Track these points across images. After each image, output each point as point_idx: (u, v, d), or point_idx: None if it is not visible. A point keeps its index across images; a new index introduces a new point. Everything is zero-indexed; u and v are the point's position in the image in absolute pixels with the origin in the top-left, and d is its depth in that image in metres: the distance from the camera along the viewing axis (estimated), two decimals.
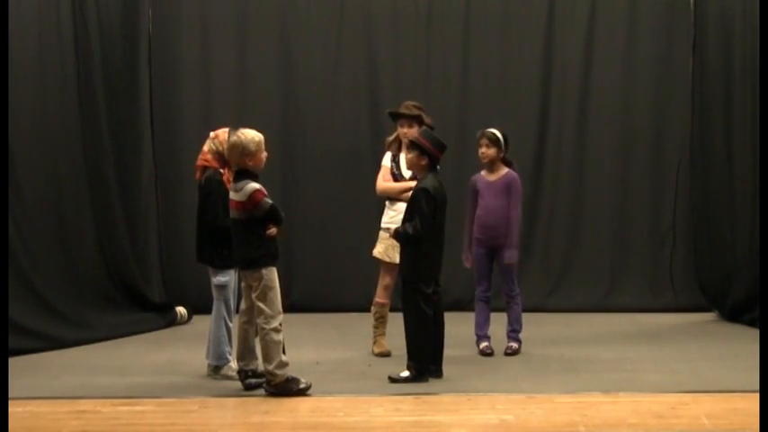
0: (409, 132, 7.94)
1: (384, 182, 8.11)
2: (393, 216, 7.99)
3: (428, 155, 7.03)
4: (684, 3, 10.79)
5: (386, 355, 7.96)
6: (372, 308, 8.21)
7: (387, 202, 8.17)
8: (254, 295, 6.54)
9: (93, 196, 9.44)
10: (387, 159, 8.18)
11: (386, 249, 8.03)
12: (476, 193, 8.09)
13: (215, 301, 7.19)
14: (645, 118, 10.99)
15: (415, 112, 8.04)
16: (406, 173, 8.00)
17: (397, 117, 8.15)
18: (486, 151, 8.03)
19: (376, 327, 8.14)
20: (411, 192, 7.54)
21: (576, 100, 11.00)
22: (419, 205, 6.93)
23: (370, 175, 10.70)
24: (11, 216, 8.13)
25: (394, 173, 8.09)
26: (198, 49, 10.86)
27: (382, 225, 8.16)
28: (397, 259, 7.79)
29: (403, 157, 7.99)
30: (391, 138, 8.24)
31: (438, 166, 7.18)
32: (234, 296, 7.22)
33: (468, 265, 8.15)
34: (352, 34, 10.97)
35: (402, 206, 7.86)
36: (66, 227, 9.10)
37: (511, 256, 7.98)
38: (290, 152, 10.77)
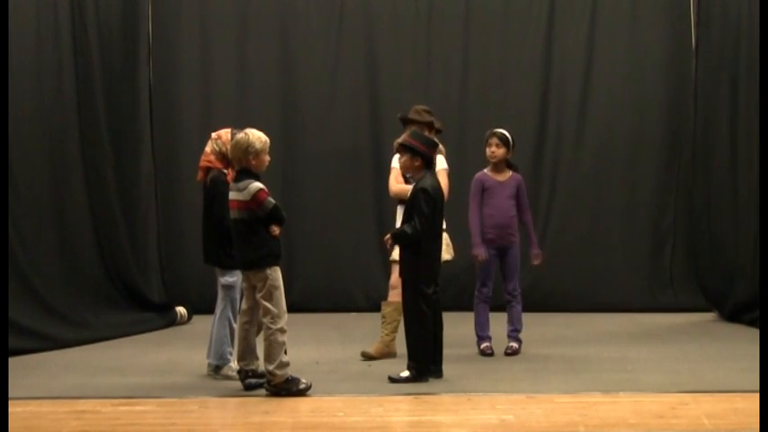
0: None
1: (397, 183, 8.07)
2: None
3: (420, 155, 7.03)
4: (686, 2, 10.79)
5: (367, 357, 7.85)
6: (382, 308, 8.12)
7: (399, 206, 8.10)
8: (259, 295, 6.53)
9: (92, 196, 9.44)
10: (397, 161, 8.12)
11: None
12: (482, 192, 8.07)
13: (220, 301, 7.18)
14: (645, 118, 11.00)
15: (427, 117, 7.98)
16: None
17: (407, 122, 8.10)
18: (496, 151, 8.03)
19: (382, 329, 8.08)
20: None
21: (577, 100, 11.01)
22: (418, 206, 6.93)
23: (369, 175, 10.78)
24: (10, 216, 8.13)
25: (405, 174, 8.05)
26: (198, 49, 10.87)
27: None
28: None
29: None
30: (399, 139, 8.19)
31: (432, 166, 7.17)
32: (239, 296, 7.22)
33: (484, 257, 7.98)
34: (352, 34, 10.98)
35: None
36: (66, 227, 9.10)
37: (538, 254, 8.16)
38: (290, 152, 10.77)
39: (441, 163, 7.76)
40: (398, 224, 7.97)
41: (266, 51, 10.92)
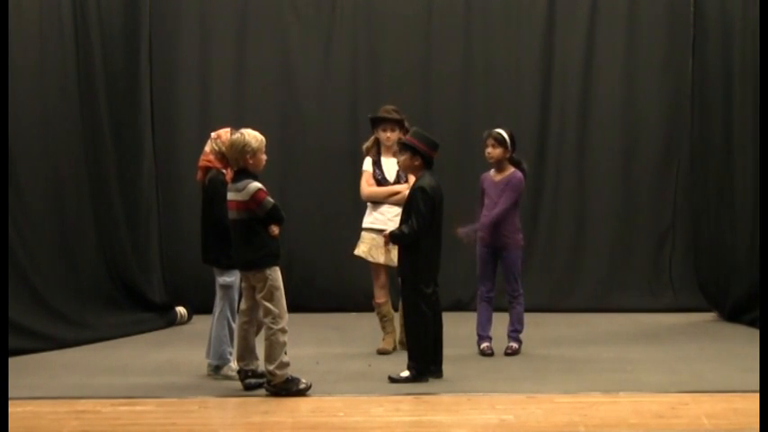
0: (392, 137, 8.06)
1: (369, 186, 8.14)
2: (378, 217, 8.06)
3: (420, 154, 7.03)
4: (684, 3, 10.79)
5: (383, 352, 7.98)
6: (375, 309, 8.25)
7: (369, 204, 8.21)
8: (259, 296, 6.53)
9: (93, 196, 9.44)
10: (368, 164, 8.24)
11: (369, 249, 8.09)
12: (483, 192, 8.09)
13: (218, 301, 7.18)
14: (645, 118, 11.00)
15: (396, 116, 8.13)
16: (390, 176, 8.10)
17: (378, 122, 8.19)
18: (492, 151, 8.03)
19: (382, 327, 8.18)
20: (400, 195, 7.64)
21: (577, 100, 11.01)
22: (416, 205, 6.92)
23: None
24: (11, 216, 8.12)
25: (377, 177, 8.14)
26: (198, 48, 10.88)
27: (364, 225, 8.20)
28: (380, 259, 8.02)
29: (385, 162, 8.12)
30: (368, 143, 8.32)
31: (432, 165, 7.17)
32: (237, 296, 7.21)
33: (460, 234, 7.92)
34: (351, 34, 10.98)
35: (386, 209, 7.97)
36: (67, 227, 9.10)
37: (466, 232, 7.90)
38: (290, 152, 10.76)
39: None
40: (367, 221, 8.17)
41: (266, 51, 10.93)
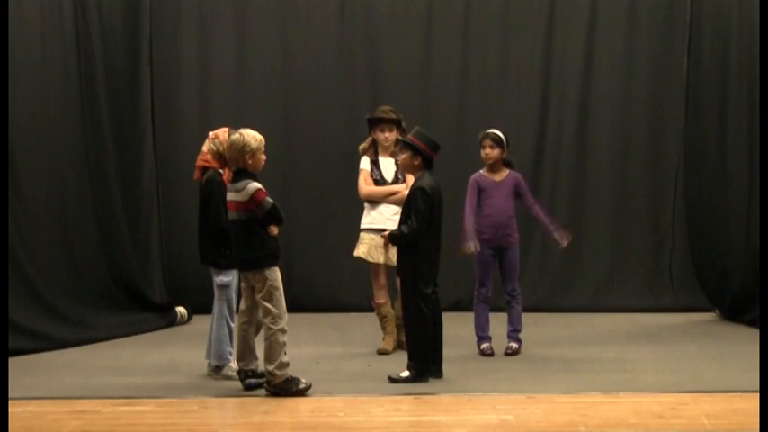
0: (390, 137, 8.08)
1: (367, 185, 8.14)
2: (376, 217, 8.07)
3: (421, 154, 7.03)
4: (681, 4, 10.81)
5: (383, 352, 7.99)
6: (375, 310, 8.26)
7: (366, 205, 8.21)
8: (258, 296, 6.53)
9: (94, 196, 9.44)
10: (365, 163, 8.23)
11: (369, 250, 8.08)
12: (478, 192, 8.06)
13: (217, 301, 7.18)
14: (643, 119, 11.02)
15: (392, 116, 8.14)
16: (388, 176, 8.10)
17: (376, 122, 8.20)
18: (490, 152, 8.03)
19: (383, 327, 8.18)
20: (399, 195, 7.63)
21: (575, 101, 11.02)
22: (416, 205, 6.92)
23: None
24: (11, 216, 8.12)
25: (374, 177, 8.14)
26: (198, 48, 10.87)
27: (363, 226, 8.19)
28: (380, 259, 8.01)
29: (383, 162, 8.13)
30: (365, 144, 8.32)
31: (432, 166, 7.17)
32: (235, 296, 7.22)
33: (473, 249, 7.91)
34: (352, 34, 10.99)
35: (385, 208, 7.97)
36: (67, 227, 9.10)
37: (562, 235, 8.12)
38: (290, 151, 10.77)
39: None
40: (365, 222, 8.16)
41: (266, 51, 10.93)
